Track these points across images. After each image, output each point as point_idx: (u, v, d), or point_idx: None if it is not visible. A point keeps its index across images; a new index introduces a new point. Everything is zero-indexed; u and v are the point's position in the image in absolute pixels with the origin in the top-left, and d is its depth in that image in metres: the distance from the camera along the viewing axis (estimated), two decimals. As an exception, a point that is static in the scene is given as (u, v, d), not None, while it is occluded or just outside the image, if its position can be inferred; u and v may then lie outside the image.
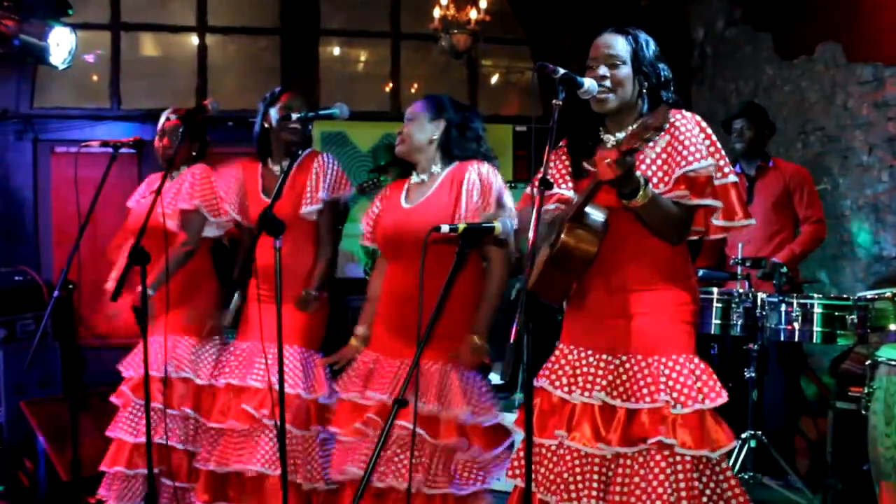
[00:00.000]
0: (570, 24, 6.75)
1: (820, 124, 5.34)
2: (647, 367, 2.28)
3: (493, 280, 2.84)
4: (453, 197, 2.82)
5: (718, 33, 6.69)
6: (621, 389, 2.29)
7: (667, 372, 2.26)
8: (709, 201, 2.25)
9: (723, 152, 2.30)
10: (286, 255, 2.75)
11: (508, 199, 2.85)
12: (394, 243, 2.92)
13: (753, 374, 3.66)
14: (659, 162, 2.28)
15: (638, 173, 2.12)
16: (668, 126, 2.26)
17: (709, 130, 2.30)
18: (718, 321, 3.73)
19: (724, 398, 2.26)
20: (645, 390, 2.25)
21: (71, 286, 3.19)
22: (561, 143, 2.51)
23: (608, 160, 2.02)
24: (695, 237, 2.40)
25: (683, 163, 2.23)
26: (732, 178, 2.28)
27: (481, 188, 2.80)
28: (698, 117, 2.32)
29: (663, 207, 2.22)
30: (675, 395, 2.24)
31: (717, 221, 2.30)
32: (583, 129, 2.41)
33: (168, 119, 3.60)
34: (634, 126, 2.03)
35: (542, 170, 2.09)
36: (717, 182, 2.26)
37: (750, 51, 6.20)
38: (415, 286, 2.55)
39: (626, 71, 2.30)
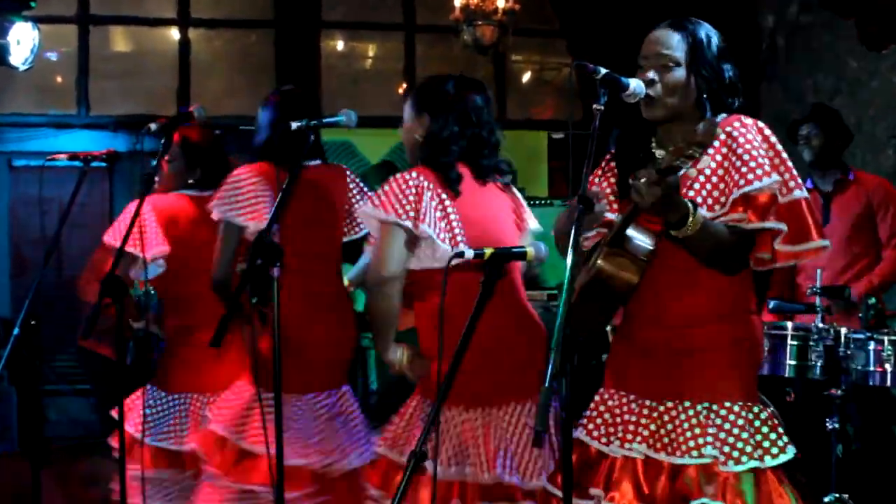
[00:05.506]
0: (612, 12, 6.79)
1: (914, 127, 5.38)
2: (696, 415, 2.30)
3: None
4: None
5: (792, 21, 6.71)
6: (666, 441, 2.31)
7: (718, 422, 2.28)
8: (771, 224, 2.24)
9: (789, 163, 2.30)
10: None
11: None
12: None
13: (837, 426, 3.65)
14: (714, 179, 2.29)
15: (685, 199, 2.12)
16: (723, 137, 2.27)
17: (773, 139, 2.31)
18: (794, 362, 3.74)
19: (788, 455, 2.27)
20: (692, 443, 2.27)
21: (33, 322, 3.25)
22: (608, 155, 2.54)
23: (643, 181, 2.02)
24: (760, 268, 2.37)
25: (742, 182, 2.23)
26: (800, 192, 2.27)
27: None
28: (760, 123, 2.33)
29: (716, 235, 2.21)
30: (726, 448, 2.25)
31: (784, 247, 2.28)
32: (632, 140, 2.43)
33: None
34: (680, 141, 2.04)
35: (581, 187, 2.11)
36: (783, 200, 2.26)
37: (829, 40, 6.23)
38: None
39: (679, 74, 2.31)
